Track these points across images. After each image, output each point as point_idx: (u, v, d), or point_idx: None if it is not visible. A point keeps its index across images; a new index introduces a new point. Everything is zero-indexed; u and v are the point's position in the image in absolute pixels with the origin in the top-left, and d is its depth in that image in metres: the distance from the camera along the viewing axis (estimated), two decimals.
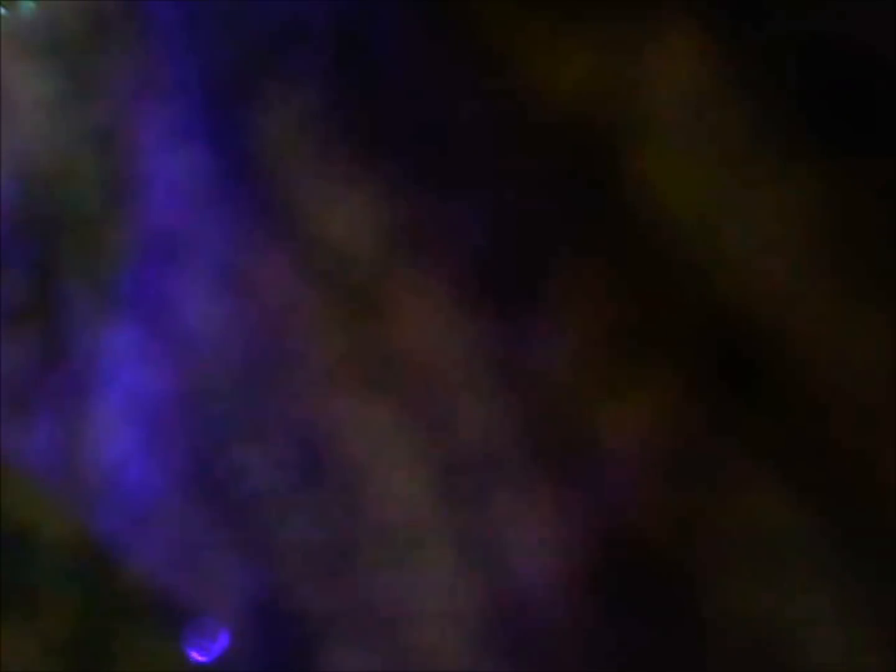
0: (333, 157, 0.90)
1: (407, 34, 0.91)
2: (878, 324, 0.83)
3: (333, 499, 0.85)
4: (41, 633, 0.85)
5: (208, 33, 0.93)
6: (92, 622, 0.85)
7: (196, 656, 0.83)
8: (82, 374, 0.89)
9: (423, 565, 0.83)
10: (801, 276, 0.84)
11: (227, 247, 0.90)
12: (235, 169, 0.91)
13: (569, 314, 0.86)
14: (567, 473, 0.83)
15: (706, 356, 0.84)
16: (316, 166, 0.90)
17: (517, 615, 0.82)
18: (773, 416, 0.83)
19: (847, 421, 0.82)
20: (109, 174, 0.92)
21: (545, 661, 0.81)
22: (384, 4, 0.92)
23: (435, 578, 0.83)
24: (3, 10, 0.96)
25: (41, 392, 0.89)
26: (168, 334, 0.89)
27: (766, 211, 0.86)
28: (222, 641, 0.83)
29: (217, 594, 0.84)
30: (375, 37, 0.91)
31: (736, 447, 0.83)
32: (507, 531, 0.83)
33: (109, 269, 0.90)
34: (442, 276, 0.87)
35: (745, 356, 0.84)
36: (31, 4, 0.96)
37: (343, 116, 0.91)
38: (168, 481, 0.86)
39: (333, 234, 0.89)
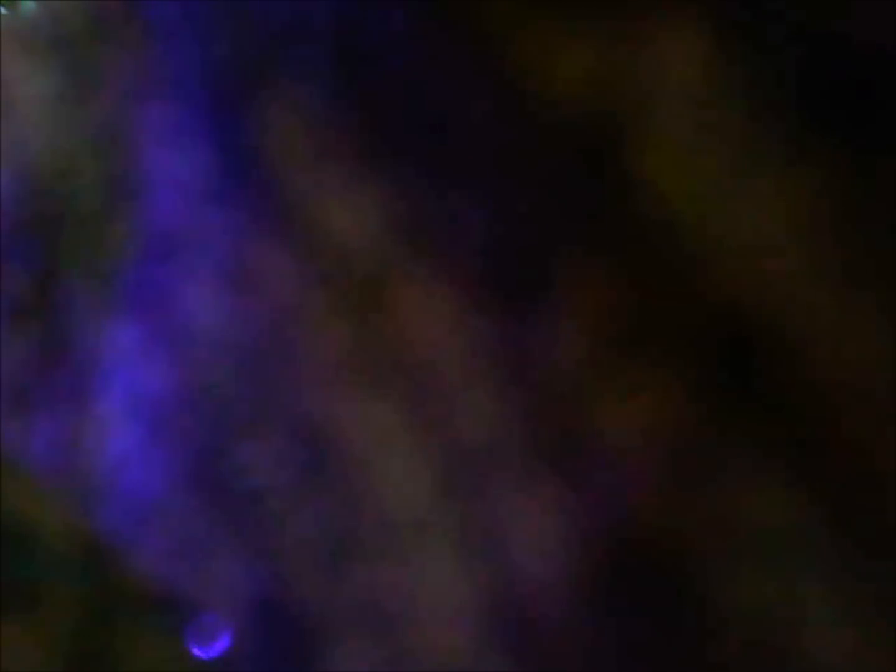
0: (336, 154, 0.90)
1: (409, 32, 0.91)
2: (882, 320, 0.83)
3: (336, 496, 0.85)
4: (42, 631, 0.85)
5: (210, 31, 0.93)
6: (93, 620, 0.85)
7: (198, 653, 0.83)
8: (84, 371, 0.89)
9: (425, 562, 0.83)
10: (804, 272, 0.85)
11: (229, 244, 0.90)
12: (237, 166, 0.91)
13: (571, 310, 0.86)
14: (570, 470, 0.83)
15: (709, 352, 0.84)
16: (318, 163, 0.90)
17: (519, 612, 0.82)
18: (777, 413, 0.83)
19: (850, 417, 0.82)
20: (110, 172, 0.92)
21: (546, 657, 0.81)
22: (386, 2, 0.92)
23: (437, 575, 0.83)
24: (2, 9, 0.96)
25: (42, 390, 0.89)
26: (170, 332, 0.89)
27: (769, 208, 0.86)
28: (224, 639, 0.83)
29: (219, 591, 0.84)
30: (378, 34, 0.91)
31: (738, 444, 0.83)
32: (510, 528, 0.83)
33: (111, 267, 0.90)
34: (445, 272, 0.87)
35: (747, 353, 0.84)
36: (32, 3, 0.96)
37: (346, 113, 0.91)
38: (170, 479, 0.86)
39: (336, 231, 0.89)
